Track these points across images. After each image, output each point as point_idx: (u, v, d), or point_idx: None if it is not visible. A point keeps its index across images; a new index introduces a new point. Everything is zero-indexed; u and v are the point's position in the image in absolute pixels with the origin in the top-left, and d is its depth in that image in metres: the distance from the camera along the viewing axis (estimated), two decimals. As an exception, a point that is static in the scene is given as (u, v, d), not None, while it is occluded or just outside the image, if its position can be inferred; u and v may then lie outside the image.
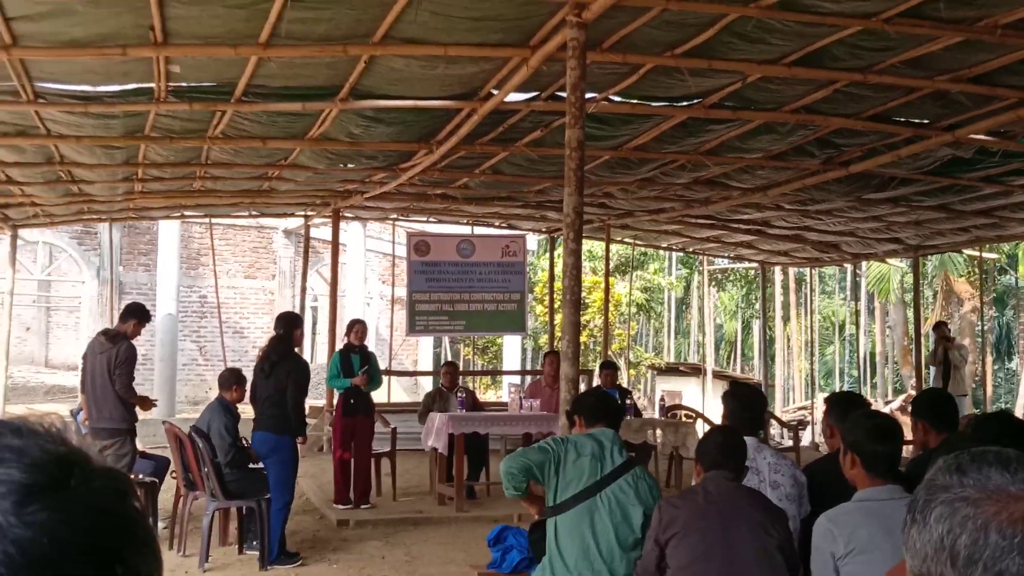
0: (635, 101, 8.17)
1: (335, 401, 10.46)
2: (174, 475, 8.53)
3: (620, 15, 6.12)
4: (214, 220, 16.94)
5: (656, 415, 12.17)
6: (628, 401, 10.54)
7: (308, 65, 7.02)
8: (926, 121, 8.54)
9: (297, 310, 17.62)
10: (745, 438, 4.45)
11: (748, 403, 4.91)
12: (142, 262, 20.80)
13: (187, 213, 15.33)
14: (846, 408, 4.43)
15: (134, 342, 8.46)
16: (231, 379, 8.38)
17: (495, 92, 7.72)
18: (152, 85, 7.27)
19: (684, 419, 12.43)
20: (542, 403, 10.27)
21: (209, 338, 20.79)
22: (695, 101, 8.14)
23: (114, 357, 8.15)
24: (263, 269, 22.28)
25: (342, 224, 15.67)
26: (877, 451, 3.48)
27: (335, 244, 14.33)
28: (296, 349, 8.32)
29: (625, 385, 18.49)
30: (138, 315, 8.51)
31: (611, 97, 8.01)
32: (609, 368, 11.74)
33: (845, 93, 7.69)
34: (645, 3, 5.93)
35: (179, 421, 16.94)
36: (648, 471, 4.81)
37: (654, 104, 8.25)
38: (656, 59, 6.96)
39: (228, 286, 21.05)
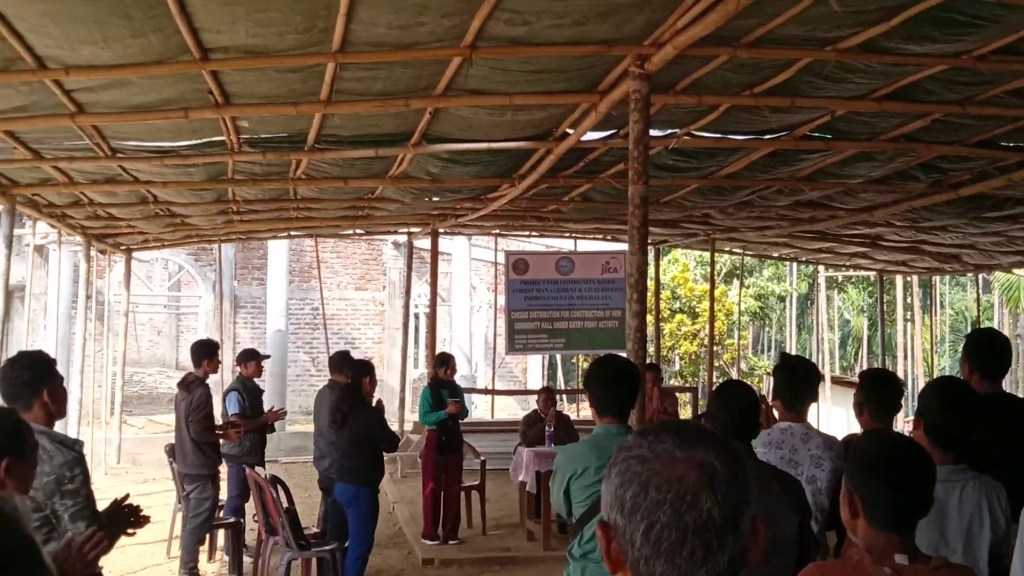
0: (718, 135, 7.81)
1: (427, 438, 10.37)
2: (256, 518, 8.59)
3: (690, 61, 5.81)
4: (320, 236, 17.15)
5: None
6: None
7: (375, 116, 6.91)
8: (1039, 144, 7.94)
9: (401, 320, 17.71)
10: (792, 425, 4.27)
11: (803, 373, 4.49)
12: (256, 276, 21.23)
13: (293, 233, 15.52)
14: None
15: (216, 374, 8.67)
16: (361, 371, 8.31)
17: (569, 132, 7.49)
18: (224, 138, 7.28)
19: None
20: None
21: (321, 349, 21.08)
22: (783, 134, 7.73)
23: (189, 405, 8.27)
24: (373, 280, 22.48)
25: (447, 236, 15.66)
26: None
27: (433, 262, 14.32)
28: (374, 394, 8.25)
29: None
30: (209, 354, 8.63)
31: (692, 132, 7.67)
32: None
33: (945, 123, 7.18)
34: (710, 52, 5.61)
35: (289, 435, 17.32)
36: None
37: (738, 138, 7.87)
38: (733, 99, 6.62)
39: (339, 298, 21.32)
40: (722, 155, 8.33)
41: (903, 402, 4.81)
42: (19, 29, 4.65)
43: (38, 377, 3.63)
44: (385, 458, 8.27)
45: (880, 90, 6.43)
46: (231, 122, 6.77)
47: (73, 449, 3.71)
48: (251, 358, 9.54)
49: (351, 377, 7.87)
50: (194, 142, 7.44)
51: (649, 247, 17.14)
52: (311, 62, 5.44)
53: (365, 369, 7.85)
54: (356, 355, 21.45)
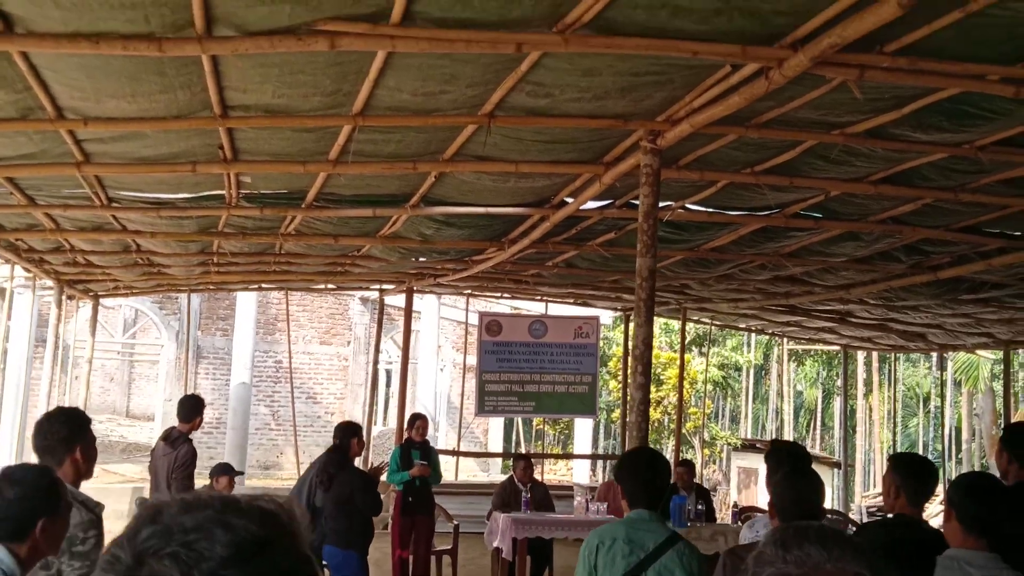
0: (712, 210, 7.93)
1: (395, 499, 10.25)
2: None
3: (698, 139, 5.91)
4: (291, 290, 17.06)
5: (729, 520, 11.72)
6: (700, 506, 10.12)
7: (378, 177, 6.94)
8: (1020, 233, 8.14)
9: (370, 377, 17.58)
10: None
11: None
12: (220, 327, 21.00)
13: (264, 285, 15.40)
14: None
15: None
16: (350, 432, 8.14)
17: (568, 200, 7.56)
18: (223, 192, 7.25)
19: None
20: (610, 506, 9.95)
21: (283, 403, 20.85)
22: (774, 211, 7.87)
23: (173, 462, 8.11)
24: (339, 335, 22.33)
25: (417, 294, 15.65)
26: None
27: (407, 320, 14.26)
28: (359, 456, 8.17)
29: (701, 480, 17.95)
30: (198, 411, 8.47)
31: (687, 205, 7.78)
32: (685, 466, 11.32)
33: (934, 207, 7.36)
34: (722, 131, 5.72)
35: (247, 489, 17.03)
36: (692, 545, 4.28)
37: (731, 213, 8.00)
38: (733, 176, 6.74)
39: (303, 351, 21.13)
40: (713, 229, 8.44)
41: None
42: (46, 79, 4.62)
43: (73, 433, 3.57)
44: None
45: (877, 174, 6.58)
46: (234, 177, 6.75)
47: (93, 511, 3.64)
48: (224, 473, 9.32)
49: (340, 438, 7.78)
50: (193, 195, 7.40)
51: (619, 313, 17.26)
52: (330, 124, 5.47)
53: (353, 431, 7.77)
54: (318, 410, 21.29)
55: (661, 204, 7.80)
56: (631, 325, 15.90)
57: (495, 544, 9.84)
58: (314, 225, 8.51)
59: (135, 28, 3.91)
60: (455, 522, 10.82)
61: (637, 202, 6.76)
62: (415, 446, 9.98)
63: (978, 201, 6.98)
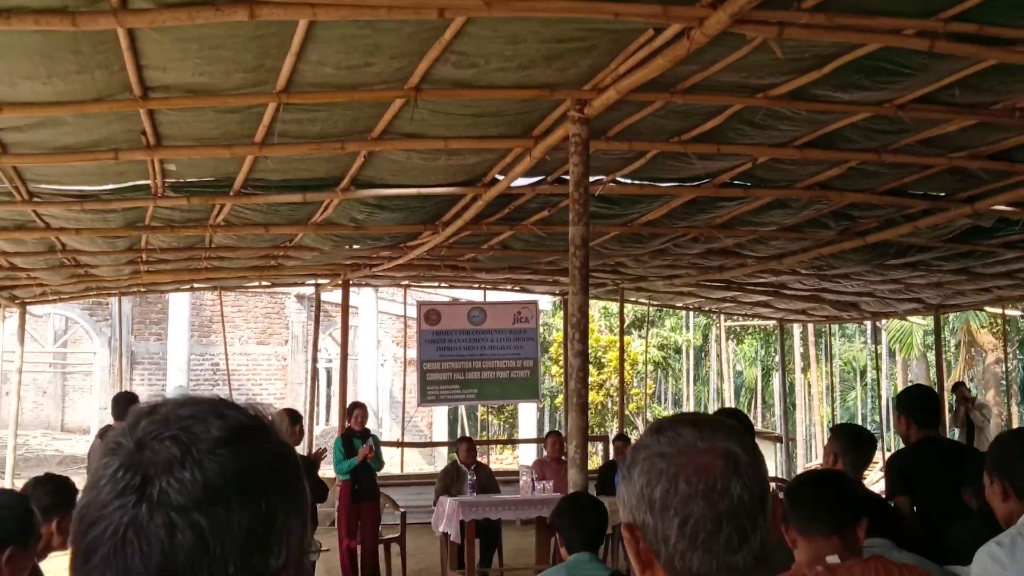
0: (643, 182, 7.98)
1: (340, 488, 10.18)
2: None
3: (625, 106, 5.94)
4: (224, 289, 16.86)
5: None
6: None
7: (307, 160, 6.87)
8: (943, 193, 8.31)
9: (309, 375, 17.45)
10: None
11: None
12: (154, 331, 20.68)
13: (196, 285, 15.19)
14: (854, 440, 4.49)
15: None
16: (288, 420, 8.04)
17: (500, 178, 7.56)
18: (149, 182, 7.12)
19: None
20: (555, 484, 10.00)
21: (222, 405, 20.58)
22: (704, 181, 7.94)
23: None
24: (276, 335, 22.12)
25: (354, 289, 15.56)
26: None
27: (344, 314, 14.13)
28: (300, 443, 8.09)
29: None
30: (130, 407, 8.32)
31: (618, 179, 7.83)
32: (623, 441, 11.44)
33: (859, 170, 7.48)
34: (648, 98, 5.75)
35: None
36: None
37: (662, 184, 8.06)
38: (662, 145, 6.78)
39: (240, 352, 20.89)
40: (645, 202, 8.49)
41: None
42: (-44, 63, 4.50)
43: (55, 504, 3.43)
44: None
45: (802, 138, 6.68)
46: (159, 165, 6.64)
47: None
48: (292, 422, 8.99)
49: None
50: (117, 186, 7.26)
51: (557, 298, 17.31)
52: (254, 102, 5.40)
53: (294, 417, 7.70)
54: (258, 411, 21.12)
55: (592, 178, 7.82)
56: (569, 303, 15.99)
57: (442, 529, 9.82)
58: (243, 214, 8.40)
59: (47, 2, 3.82)
60: (402, 509, 10.78)
61: (568, 177, 6.81)
62: (356, 435, 9.93)
63: (901, 162, 7.12)
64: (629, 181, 7.96)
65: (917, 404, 5.12)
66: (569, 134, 5.74)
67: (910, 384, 30.20)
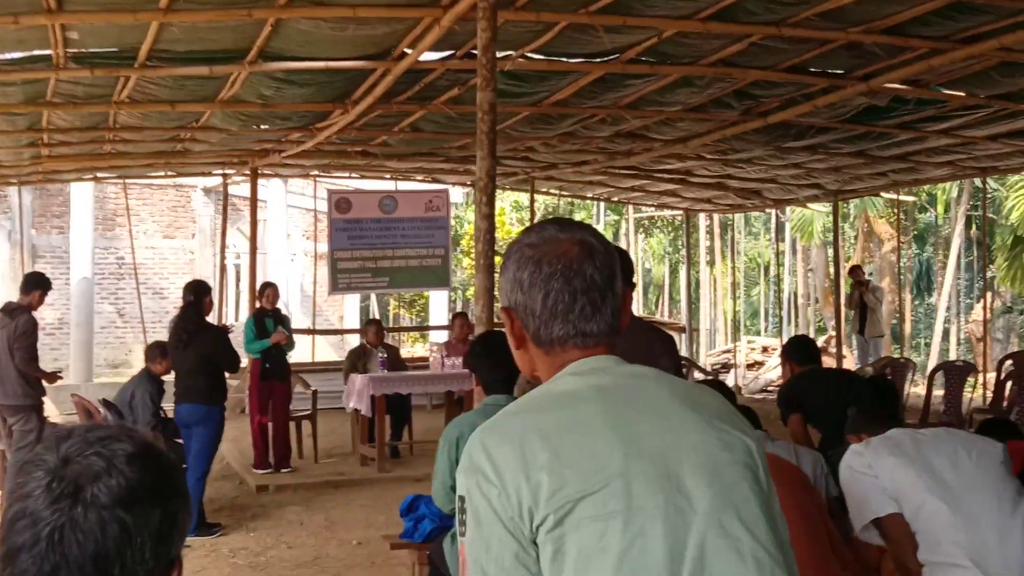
0: (551, 58, 8.05)
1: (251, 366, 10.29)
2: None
3: (531, -26, 5.99)
4: (129, 181, 16.52)
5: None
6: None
7: (213, 29, 6.78)
8: (841, 71, 8.56)
9: (218, 269, 17.31)
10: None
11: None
12: (56, 224, 20.19)
13: (100, 175, 14.86)
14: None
15: (38, 312, 8.25)
16: (156, 351, 8.17)
17: (408, 52, 7.55)
18: (50, 52, 6.96)
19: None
20: (464, 360, 10.23)
21: (128, 300, 20.32)
22: (612, 57, 8.05)
23: (13, 332, 7.93)
24: (182, 228, 21.79)
25: (262, 181, 15.39)
26: None
27: (253, 203, 14.00)
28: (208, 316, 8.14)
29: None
30: (41, 285, 8.27)
31: (527, 54, 7.88)
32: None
33: (761, 46, 7.65)
34: (556, -38, 5.81)
35: (97, 386, 16.67)
36: None
37: (570, 60, 8.14)
38: (570, 16, 6.85)
39: (146, 246, 20.55)
40: (553, 79, 8.57)
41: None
42: None
43: None
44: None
45: (706, 10, 6.81)
46: (60, 32, 6.49)
47: None
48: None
49: (194, 296, 7.75)
50: (16, 55, 7.08)
51: (470, 188, 17.35)
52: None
53: (206, 289, 7.75)
54: (166, 305, 20.85)
55: (501, 54, 7.91)
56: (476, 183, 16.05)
57: (353, 405, 10.02)
58: (149, 89, 8.25)
59: None
60: (313, 388, 10.94)
61: (477, 52, 6.85)
62: (267, 315, 10.00)
63: (800, 36, 7.30)
64: (538, 57, 8.02)
65: (795, 346, 6.51)
66: (477, 1, 5.78)
67: (808, 270, 31.24)
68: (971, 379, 11.92)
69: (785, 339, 22.75)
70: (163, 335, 9.30)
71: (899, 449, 3.37)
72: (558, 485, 1.49)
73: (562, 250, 1.71)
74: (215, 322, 10.27)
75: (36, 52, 7.05)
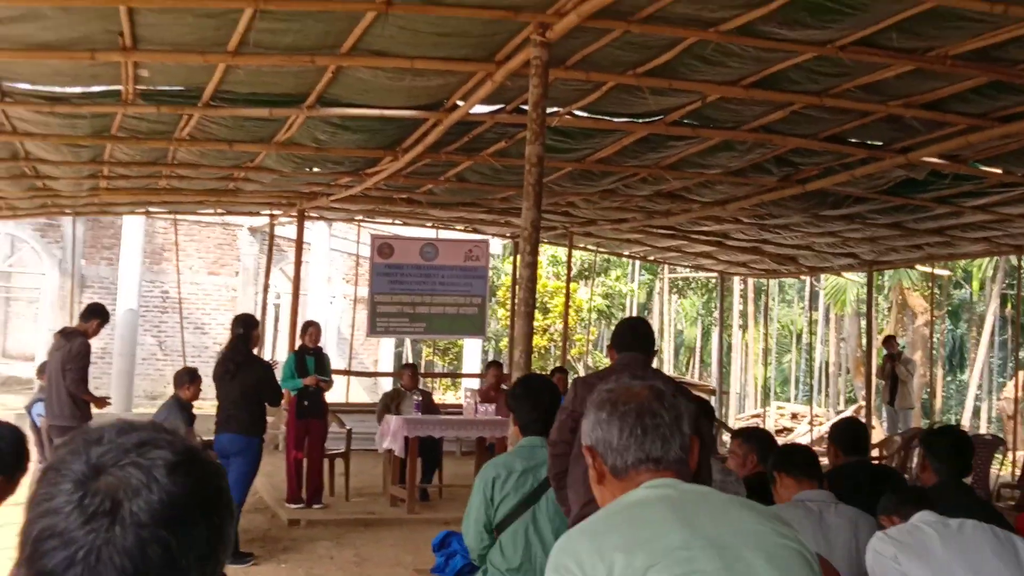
0: (597, 116, 8.33)
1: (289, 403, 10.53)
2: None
3: (584, 35, 6.27)
4: (179, 217, 16.96)
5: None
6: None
7: (277, 73, 7.11)
8: (880, 143, 8.77)
9: (259, 308, 17.67)
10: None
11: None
12: (105, 256, 20.69)
13: (152, 209, 15.30)
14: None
15: (92, 340, 8.55)
16: (185, 377, 8.38)
17: (460, 104, 7.85)
18: (120, 88, 7.32)
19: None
20: (497, 408, 10.42)
21: (170, 333, 20.72)
22: (656, 118, 8.31)
23: (67, 353, 8.23)
24: (227, 266, 22.23)
25: (307, 223, 15.77)
26: None
27: (299, 244, 14.36)
28: (255, 350, 8.41)
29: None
30: (100, 315, 8.58)
31: (574, 112, 8.16)
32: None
33: (802, 115, 7.89)
34: (607, 25, 6.08)
35: (135, 416, 16.96)
36: None
37: (616, 120, 8.41)
38: (618, 77, 7.12)
39: (191, 282, 21.00)
40: (598, 136, 8.84)
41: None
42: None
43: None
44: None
45: (749, 77, 7.06)
46: (132, 69, 6.84)
47: None
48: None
49: (243, 329, 8.02)
50: (89, 89, 7.44)
51: (509, 241, 17.60)
52: (231, 5, 5.64)
53: (255, 323, 8.02)
54: (206, 340, 21.19)
55: (549, 110, 8.20)
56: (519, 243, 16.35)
57: (386, 445, 10.20)
58: (209, 128, 8.61)
59: None
60: (348, 426, 11.15)
61: (527, 107, 7.11)
62: (308, 352, 10.25)
63: (841, 107, 7.53)
64: (585, 115, 8.30)
65: (843, 431, 5.73)
66: (530, 58, 6.06)
67: (840, 339, 31.08)
68: (998, 455, 11.91)
69: (815, 408, 22.87)
70: (203, 370, 9.61)
71: (925, 550, 3.47)
72: (629, 561, 1.80)
73: (635, 393, 2.10)
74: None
75: (107, 88, 7.40)
